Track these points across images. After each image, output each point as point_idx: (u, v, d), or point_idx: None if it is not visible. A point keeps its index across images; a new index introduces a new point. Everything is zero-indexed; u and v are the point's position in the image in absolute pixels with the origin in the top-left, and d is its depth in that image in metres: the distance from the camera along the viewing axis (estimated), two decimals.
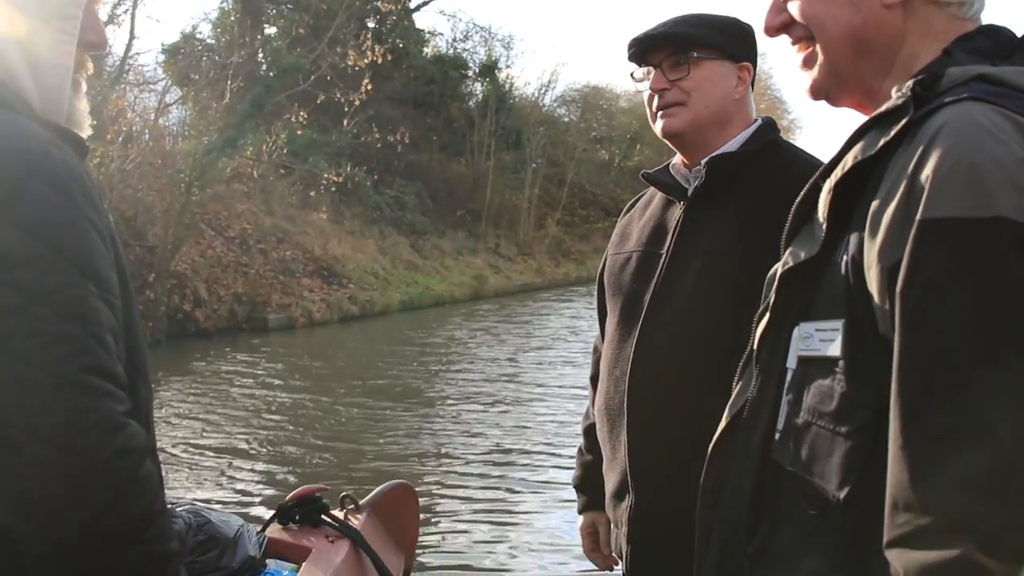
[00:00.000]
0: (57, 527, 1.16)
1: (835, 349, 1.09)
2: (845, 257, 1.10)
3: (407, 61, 27.27)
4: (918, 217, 0.99)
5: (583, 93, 35.51)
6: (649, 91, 2.14)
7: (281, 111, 19.73)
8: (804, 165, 1.98)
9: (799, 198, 1.26)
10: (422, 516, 3.10)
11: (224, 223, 18.98)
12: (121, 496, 1.19)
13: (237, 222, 19.17)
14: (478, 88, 31.00)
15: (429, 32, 31.06)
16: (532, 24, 72.50)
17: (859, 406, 1.05)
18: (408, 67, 27.48)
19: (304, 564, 2.08)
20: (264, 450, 8.32)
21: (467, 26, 38.50)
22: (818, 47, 1.25)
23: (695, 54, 2.09)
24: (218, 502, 6.54)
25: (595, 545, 2.43)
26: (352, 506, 2.44)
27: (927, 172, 1.00)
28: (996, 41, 1.18)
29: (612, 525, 2.23)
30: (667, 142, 2.17)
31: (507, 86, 30.99)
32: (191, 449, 8.29)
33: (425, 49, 29.79)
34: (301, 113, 19.10)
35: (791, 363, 1.18)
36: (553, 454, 8.02)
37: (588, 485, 2.40)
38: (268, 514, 2.28)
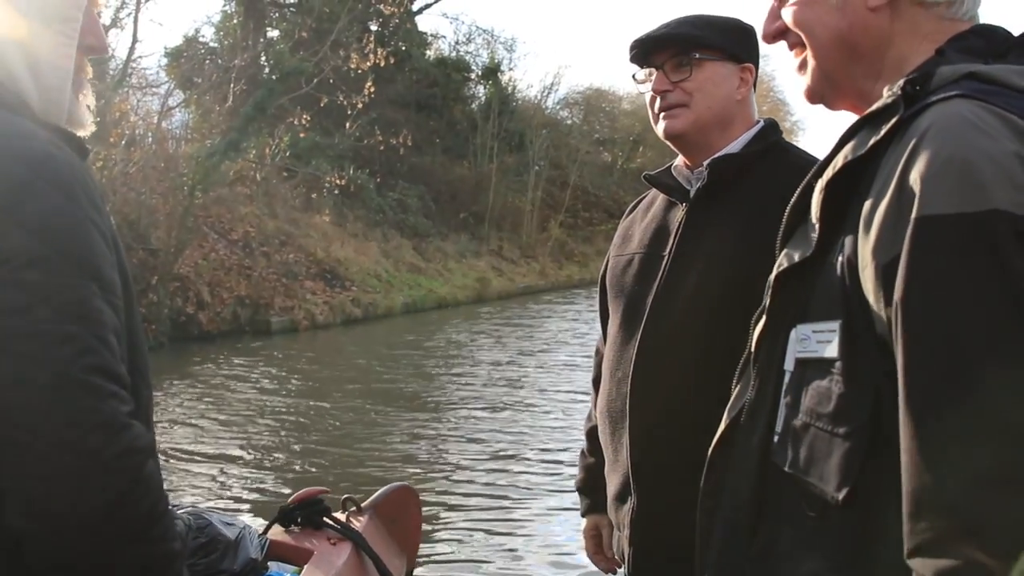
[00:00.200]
0: (62, 527, 1.17)
1: (832, 350, 1.08)
2: (840, 258, 1.09)
3: (410, 64, 27.30)
4: (913, 215, 0.98)
5: (586, 95, 35.57)
6: (651, 92, 2.14)
7: (284, 114, 19.74)
8: (806, 167, 1.96)
9: (793, 199, 1.27)
10: (424, 520, 3.10)
11: (227, 226, 18.99)
12: (126, 496, 1.19)
13: (240, 225, 19.18)
14: (481, 91, 31.06)
15: (432, 35, 31.16)
16: (535, 27, 72.64)
17: (857, 407, 1.05)
18: (411, 70, 27.51)
19: (306, 566, 2.09)
20: (266, 453, 8.31)
21: (470, 29, 38.62)
22: (809, 53, 1.27)
23: (697, 55, 2.08)
24: (220, 505, 6.54)
25: (598, 548, 2.42)
26: (354, 508, 2.44)
27: (919, 170, 1.00)
28: (990, 40, 1.18)
29: (614, 528, 2.22)
30: (669, 143, 2.17)
31: (510, 89, 31.06)
32: (193, 452, 8.29)
33: (428, 52, 29.83)
34: (304, 116, 19.11)
35: (788, 365, 1.18)
36: (555, 460, 8.00)
37: (591, 488, 2.39)
38: (270, 517, 2.28)
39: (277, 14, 25.26)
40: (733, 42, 2.12)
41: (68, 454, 1.16)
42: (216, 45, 23.84)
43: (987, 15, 1.24)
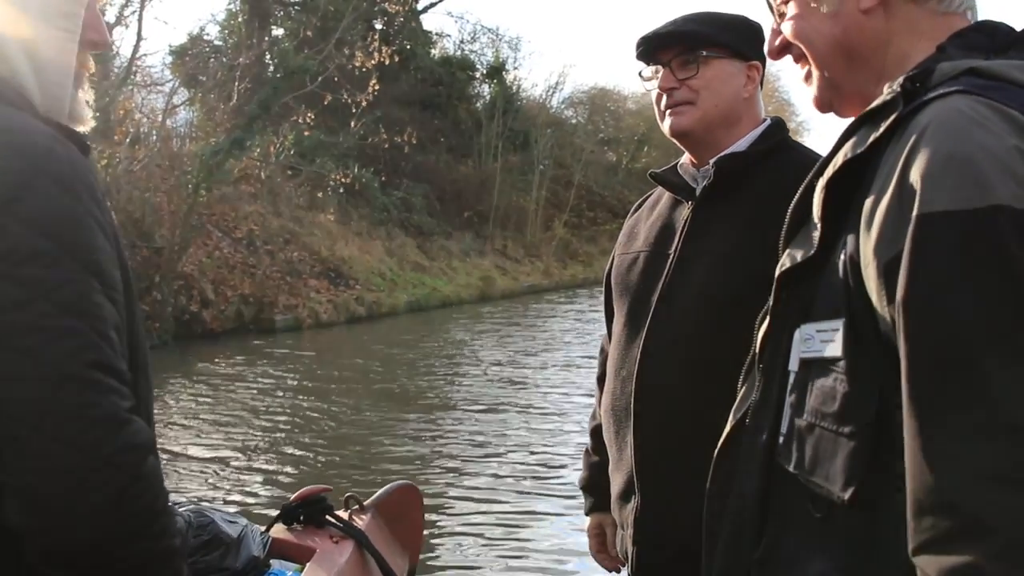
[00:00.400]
0: (62, 523, 1.17)
1: (836, 349, 1.08)
2: (843, 256, 1.09)
3: (414, 62, 27.30)
4: (914, 212, 0.98)
5: (590, 95, 35.56)
6: (657, 90, 2.13)
7: (288, 112, 19.75)
8: (812, 165, 1.97)
9: (795, 198, 1.27)
10: (426, 518, 3.10)
11: (231, 224, 19.01)
12: (126, 492, 1.19)
13: (244, 223, 19.20)
14: (485, 90, 31.05)
15: (436, 33, 31.17)
16: (539, 26, 72.58)
17: (861, 406, 1.05)
18: (415, 68, 27.51)
19: (308, 565, 2.08)
20: (268, 451, 8.32)
21: (474, 27, 38.61)
22: (812, 64, 1.28)
23: (704, 53, 2.07)
24: (222, 502, 6.55)
25: (602, 546, 2.42)
26: (356, 507, 2.43)
27: (919, 167, 1.00)
28: (992, 36, 1.17)
29: (618, 526, 2.22)
30: (675, 141, 2.16)
31: (514, 88, 31.05)
32: (196, 449, 8.30)
33: (432, 50, 29.84)
34: (308, 114, 19.12)
35: (793, 366, 1.18)
36: (558, 459, 8.00)
37: (594, 486, 2.39)
38: (272, 515, 2.28)
39: (282, 12, 25.27)
40: (740, 39, 2.11)
41: (68, 449, 1.16)
42: (221, 43, 23.84)
43: (990, 12, 1.23)
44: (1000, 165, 0.96)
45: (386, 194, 23.92)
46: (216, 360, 13.69)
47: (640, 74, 2.19)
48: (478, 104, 30.50)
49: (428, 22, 35.74)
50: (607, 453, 2.22)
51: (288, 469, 7.74)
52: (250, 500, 6.82)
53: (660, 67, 2.12)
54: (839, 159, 1.15)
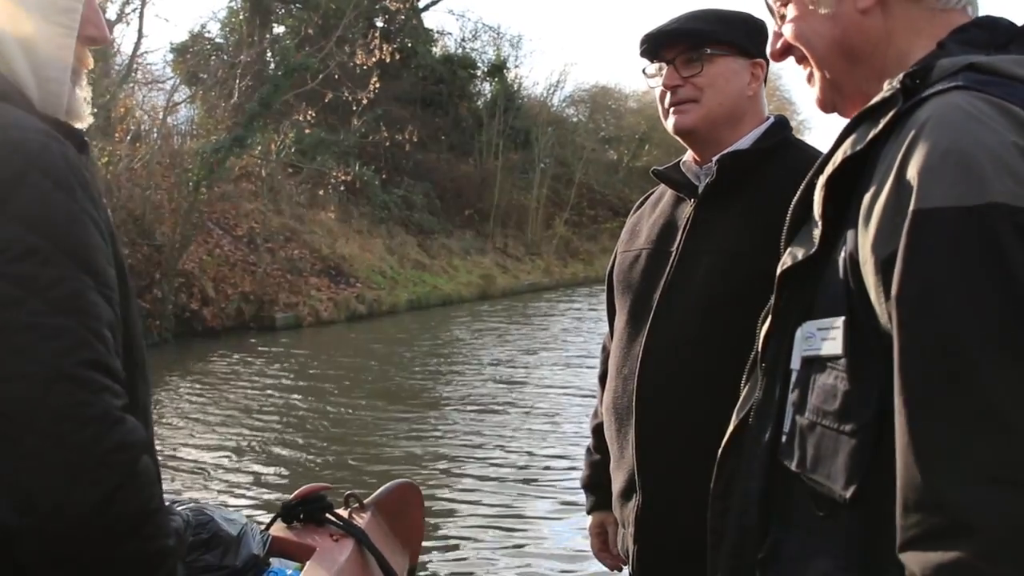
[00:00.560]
0: (54, 522, 1.16)
1: (836, 347, 1.08)
2: (843, 254, 1.09)
3: (415, 60, 27.30)
4: (911, 208, 0.98)
5: (592, 93, 35.52)
6: (661, 87, 2.12)
7: (289, 110, 19.74)
8: (815, 163, 1.96)
9: (796, 197, 1.27)
10: (427, 518, 3.09)
11: (232, 222, 19.01)
12: (118, 491, 1.18)
13: (245, 221, 19.20)
14: (487, 88, 31.03)
15: (438, 31, 31.14)
16: (541, 24, 72.61)
17: (862, 404, 1.04)
18: (416, 66, 27.51)
19: (308, 563, 2.08)
20: (268, 449, 8.32)
21: (476, 26, 38.55)
22: (813, 65, 1.28)
23: (708, 50, 2.07)
24: (222, 501, 6.54)
25: (604, 545, 2.41)
26: (356, 505, 2.43)
27: (917, 162, 0.99)
28: (992, 32, 1.17)
29: (619, 525, 2.21)
30: (679, 139, 2.16)
31: (516, 86, 31.03)
32: (195, 448, 8.30)
33: (434, 48, 29.83)
34: (309, 112, 19.11)
35: (795, 364, 1.17)
36: (557, 457, 8.00)
37: (596, 485, 2.38)
38: (272, 513, 2.27)
39: (283, 10, 25.26)
40: (744, 37, 2.10)
41: (60, 448, 1.15)
42: (222, 41, 23.84)
43: (991, 7, 1.23)
44: (998, 162, 0.96)
45: (387, 192, 23.91)
46: (216, 358, 13.69)
47: (644, 71, 2.18)
48: (479, 102, 30.49)
49: (429, 20, 35.74)
50: (609, 451, 2.21)
51: (287, 467, 7.73)
52: (249, 498, 6.82)
53: (664, 64, 2.11)
54: (839, 156, 1.15)
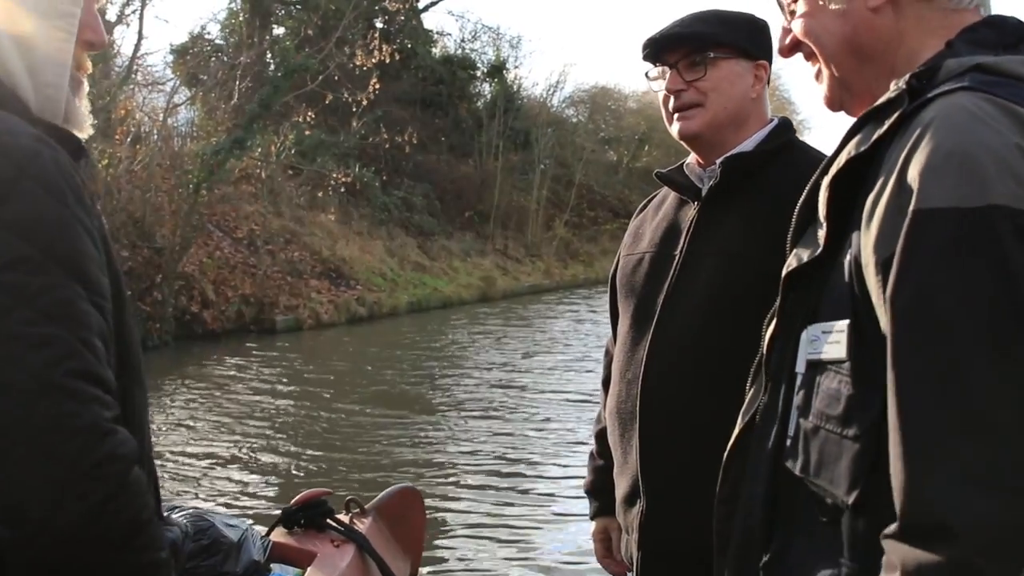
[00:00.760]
0: (42, 535, 1.13)
1: (840, 351, 1.08)
2: (848, 256, 1.08)
3: (415, 61, 27.30)
4: (912, 207, 0.97)
5: (591, 94, 35.49)
6: (664, 92, 2.11)
7: (289, 111, 19.75)
8: (819, 166, 1.95)
9: (802, 198, 1.26)
10: (428, 523, 3.08)
11: (232, 224, 19.00)
12: (108, 504, 1.16)
13: (245, 223, 19.20)
14: (486, 89, 31.03)
15: (437, 32, 31.14)
16: (540, 24, 72.66)
17: (865, 408, 1.04)
18: (416, 67, 27.52)
19: (309, 569, 2.07)
20: (268, 454, 8.30)
21: (475, 26, 38.40)
22: (821, 62, 1.27)
23: (712, 54, 2.05)
24: (222, 506, 6.53)
25: (607, 551, 2.39)
26: (357, 510, 2.42)
27: (919, 162, 0.99)
28: (1001, 31, 1.17)
29: (623, 531, 2.20)
30: (683, 143, 2.14)
31: (515, 87, 31.03)
32: (195, 453, 8.29)
33: (433, 49, 29.83)
34: (309, 113, 19.11)
35: (800, 367, 1.17)
36: (559, 464, 7.97)
37: (599, 490, 2.37)
38: (272, 518, 2.26)
39: (283, 11, 25.27)
40: (747, 39, 2.09)
41: (47, 461, 1.13)
42: (222, 42, 23.85)
43: (1004, 6, 1.22)
44: (1001, 164, 0.95)
45: (387, 194, 23.91)
46: (216, 361, 13.68)
47: (647, 75, 2.17)
48: (479, 103, 30.48)
49: (429, 21, 35.76)
50: (612, 456, 2.20)
51: (287, 472, 7.72)
52: (249, 504, 6.81)
53: (667, 68, 2.10)
54: (843, 157, 1.14)
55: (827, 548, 1.09)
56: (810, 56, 1.30)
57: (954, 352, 0.93)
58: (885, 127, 1.08)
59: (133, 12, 16.84)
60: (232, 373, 12.76)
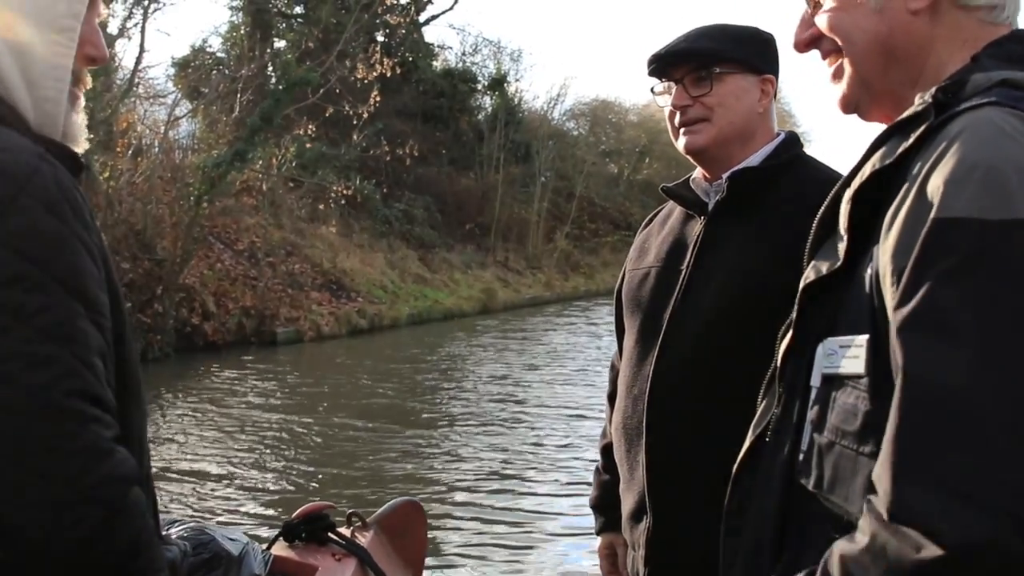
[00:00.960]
0: (39, 557, 1.12)
1: (859, 366, 1.05)
2: (869, 270, 1.06)
3: (416, 74, 27.40)
4: (931, 216, 0.96)
5: (592, 107, 35.58)
6: (670, 107, 2.10)
7: (290, 124, 19.80)
8: (827, 180, 1.93)
9: (822, 210, 1.24)
10: (430, 537, 3.08)
11: (233, 236, 19.03)
12: (107, 525, 1.14)
13: (246, 235, 19.22)
14: (487, 101, 31.13)
15: (438, 46, 31.26)
16: (541, 38, 72.92)
17: (883, 426, 1.00)
18: (417, 80, 27.61)
19: None
20: (270, 468, 8.29)
21: (476, 40, 38.57)
22: (846, 60, 1.24)
23: (718, 69, 2.04)
24: (223, 519, 6.51)
25: (613, 567, 2.38)
26: (359, 523, 2.40)
27: (942, 173, 0.98)
28: None
29: (629, 547, 2.18)
30: (689, 158, 2.13)
31: (516, 100, 31.13)
32: (196, 466, 8.27)
33: (434, 62, 29.94)
34: (310, 126, 19.17)
35: (815, 381, 1.15)
36: (562, 478, 7.94)
37: (605, 506, 2.35)
38: (274, 532, 2.25)
39: (284, 25, 25.37)
40: (753, 53, 2.08)
41: (45, 482, 1.11)
42: (223, 55, 23.94)
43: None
44: None
45: (388, 206, 23.95)
46: (216, 373, 13.67)
47: (652, 90, 2.16)
48: (480, 116, 30.58)
49: (430, 34, 35.82)
50: (618, 472, 2.18)
51: (287, 486, 7.70)
52: (251, 517, 6.78)
53: (672, 84, 2.09)
54: (867, 170, 1.12)
55: None
56: (829, 53, 1.26)
57: (960, 363, 0.91)
58: (911, 140, 1.07)
59: (135, 25, 16.93)
60: (233, 385, 12.78)
